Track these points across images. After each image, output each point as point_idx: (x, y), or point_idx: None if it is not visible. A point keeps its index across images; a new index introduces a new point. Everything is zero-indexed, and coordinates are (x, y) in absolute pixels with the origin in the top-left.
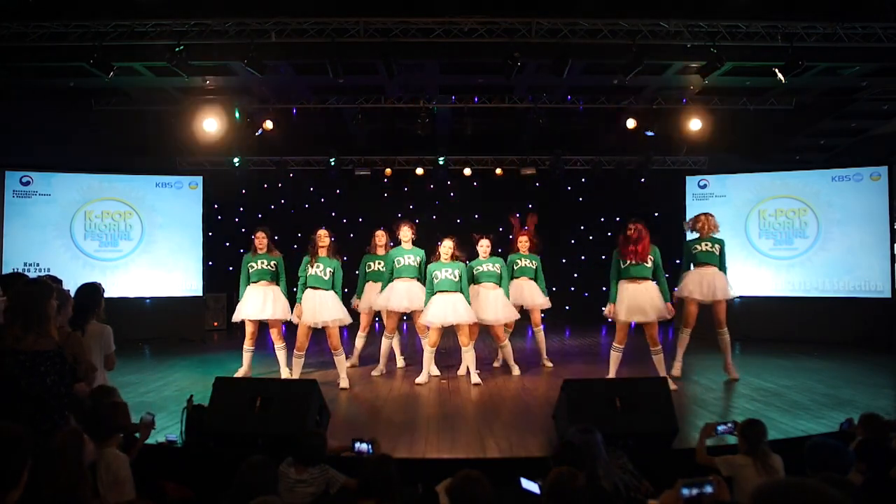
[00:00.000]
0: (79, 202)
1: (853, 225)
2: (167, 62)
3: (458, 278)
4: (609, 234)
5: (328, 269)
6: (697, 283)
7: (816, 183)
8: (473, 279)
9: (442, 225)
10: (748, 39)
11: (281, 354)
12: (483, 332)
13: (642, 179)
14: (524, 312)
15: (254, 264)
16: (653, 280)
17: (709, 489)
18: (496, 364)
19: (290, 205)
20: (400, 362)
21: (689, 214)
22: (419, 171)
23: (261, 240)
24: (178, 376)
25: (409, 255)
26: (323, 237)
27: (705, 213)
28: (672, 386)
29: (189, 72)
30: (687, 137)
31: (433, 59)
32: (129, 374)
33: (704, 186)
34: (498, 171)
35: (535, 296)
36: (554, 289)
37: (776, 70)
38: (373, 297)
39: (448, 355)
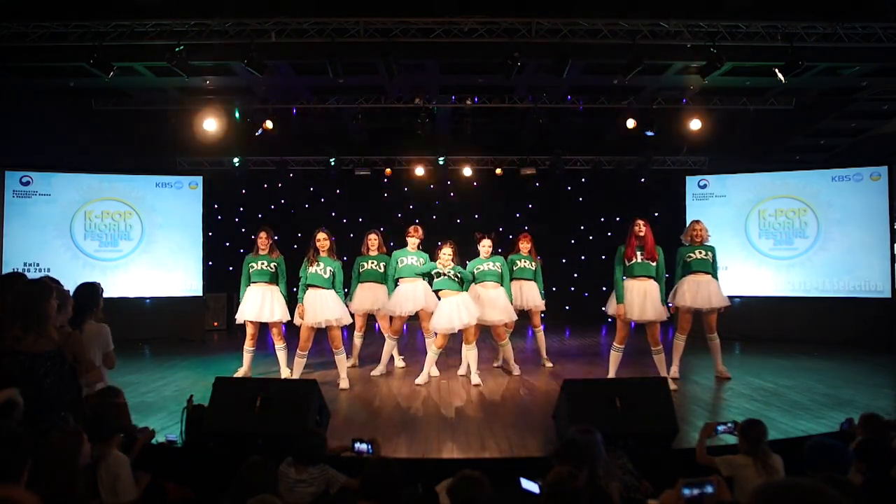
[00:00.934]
0: (79, 202)
1: (853, 225)
2: (167, 62)
3: (457, 279)
4: (609, 233)
5: (329, 269)
6: (693, 292)
7: (816, 183)
8: (474, 278)
9: (442, 225)
10: (748, 39)
11: (281, 354)
12: (483, 332)
13: (642, 179)
14: (524, 313)
15: (254, 265)
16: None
17: (709, 489)
18: (496, 364)
19: (290, 205)
20: (399, 362)
21: (689, 214)
22: (419, 171)
23: (263, 240)
24: (178, 376)
25: (412, 257)
26: (323, 239)
27: (696, 221)
28: (672, 386)
29: (189, 72)
30: (687, 137)
31: (433, 59)
32: (129, 374)
33: (704, 186)
34: (498, 171)
35: (534, 297)
36: (554, 289)
37: (776, 70)
38: (366, 297)
39: (449, 355)
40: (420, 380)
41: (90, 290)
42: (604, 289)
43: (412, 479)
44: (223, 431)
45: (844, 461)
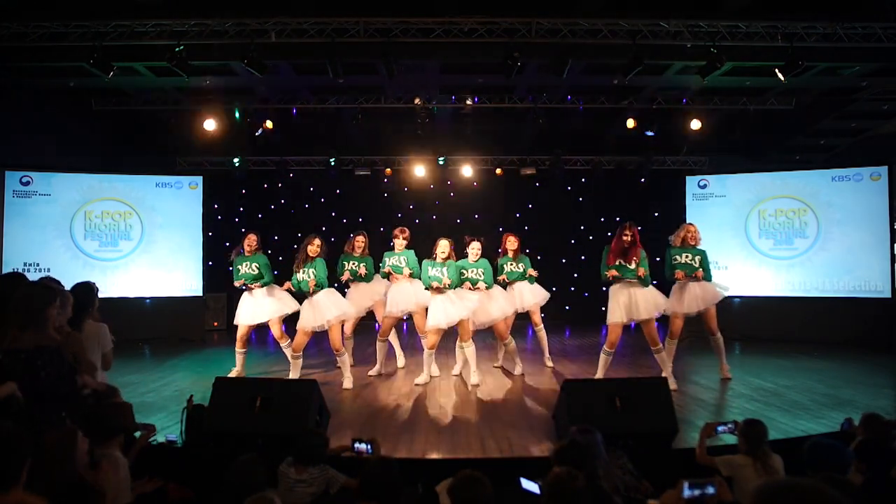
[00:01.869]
0: (79, 202)
1: (853, 225)
2: (167, 62)
3: (445, 276)
4: (609, 233)
5: (311, 271)
6: (678, 299)
7: (816, 183)
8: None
9: (441, 225)
10: (748, 39)
11: (288, 352)
12: (483, 332)
13: (642, 179)
14: (523, 314)
15: (240, 267)
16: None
17: (711, 490)
18: (496, 364)
19: (290, 205)
20: (401, 361)
21: (689, 214)
22: (419, 171)
23: (250, 242)
24: (178, 376)
25: (395, 257)
26: (317, 246)
27: (689, 224)
28: (672, 386)
29: (189, 72)
30: (687, 137)
31: (433, 59)
32: (129, 374)
33: (704, 186)
34: (498, 171)
35: (531, 295)
36: (554, 289)
37: (776, 70)
38: (358, 297)
39: (451, 356)
40: (420, 380)
41: (86, 290)
42: (604, 289)
43: (412, 479)
44: (223, 431)
45: (844, 461)
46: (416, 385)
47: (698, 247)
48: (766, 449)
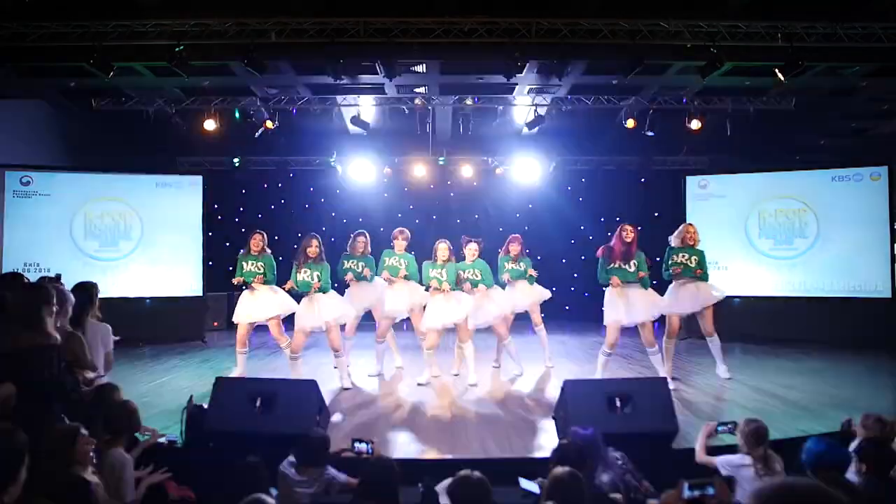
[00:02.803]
0: (79, 202)
1: (853, 225)
2: (167, 62)
3: (444, 278)
4: (609, 233)
5: (315, 274)
6: (675, 299)
7: (816, 183)
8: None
9: (441, 225)
10: (748, 39)
11: (287, 353)
12: (482, 332)
13: (642, 179)
14: (523, 314)
15: (244, 264)
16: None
17: (710, 491)
18: (495, 364)
19: (290, 205)
20: (399, 361)
21: (689, 214)
22: (419, 171)
23: (256, 241)
24: (178, 376)
25: (394, 258)
26: (315, 246)
27: (689, 224)
28: (671, 385)
29: (189, 72)
30: (687, 137)
31: (433, 59)
32: (129, 374)
33: (704, 186)
34: (498, 171)
35: (529, 295)
36: (554, 289)
37: (776, 70)
38: (355, 296)
39: (449, 355)
40: (421, 379)
41: (87, 290)
42: (604, 289)
43: (412, 479)
44: (223, 431)
45: (844, 461)
46: (418, 385)
47: (697, 247)
48: (767, 449)
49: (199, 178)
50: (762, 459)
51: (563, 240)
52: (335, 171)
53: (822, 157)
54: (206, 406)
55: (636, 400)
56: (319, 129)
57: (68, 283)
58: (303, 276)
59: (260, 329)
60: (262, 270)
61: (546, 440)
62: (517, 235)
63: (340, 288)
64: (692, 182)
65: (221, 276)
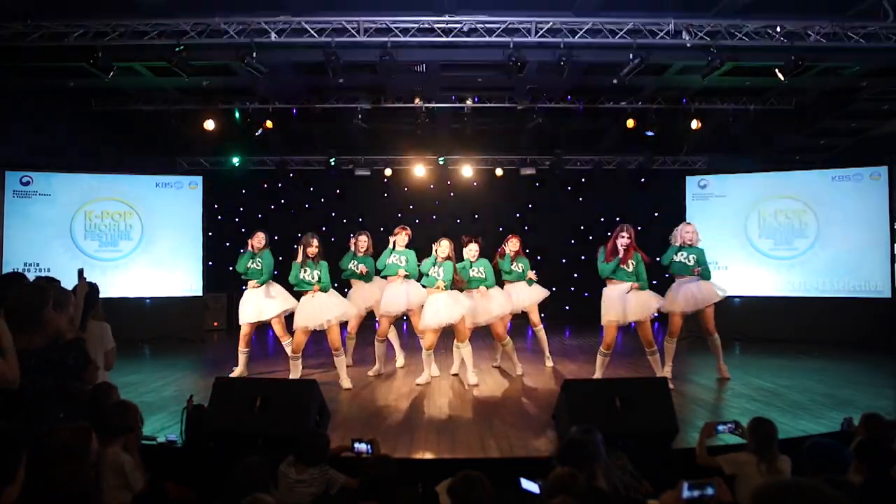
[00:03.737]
0: (79, 202)
1: (853, 225)
2: (167, 62)
3: (441, 277)
4: (609, 233)
5: (315, 273)
6: (675, 297)
7: (816, 183)
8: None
9: (441, 225)
10: (748, 39)
11: (289, 350)
12: (482, 331)
13: (642, 179)
14: (522, 314)
15: (250, 263)
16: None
17: (710, 491)
18: (495, 364)
19: (290, 205)
20: (400, 361)
21: (689, 214)
22: (419, 171)
23: (259, 239)
24: (178, 376)
25: (394, 255)
26: (315, 246)
27: (687, 223)
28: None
29: (189, 72)
30: (687, 137)
31: (433, 59)
32: (129, 374)
33: (704, 186)
34: (498, 171)
35: (528, 295)
36: (554, 289)
37: (776, 70)
38: (360, 296)
39: (449, 355)
40: (420, 380)
41: (88, 290)
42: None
43: (412, 479)
44: (223, 431)
45: (844, 461)
46: (417, 385)
47: (696, 246)
48: (775, 449)
49: (199, 179)
50: (769, 459)
51: (563, 240)
52: (335, 171)
53: (821, 157)
54: (206, 406)
55: (636, 400)
56: (319, 129)
57: (68, 283)
58: (304, 275)
59: (261, 329)
60: (260, 267)
61: (546, 440)
62: (515, 235)
63: (341, 288)
64: (692, 182)
65: (221, 276)
